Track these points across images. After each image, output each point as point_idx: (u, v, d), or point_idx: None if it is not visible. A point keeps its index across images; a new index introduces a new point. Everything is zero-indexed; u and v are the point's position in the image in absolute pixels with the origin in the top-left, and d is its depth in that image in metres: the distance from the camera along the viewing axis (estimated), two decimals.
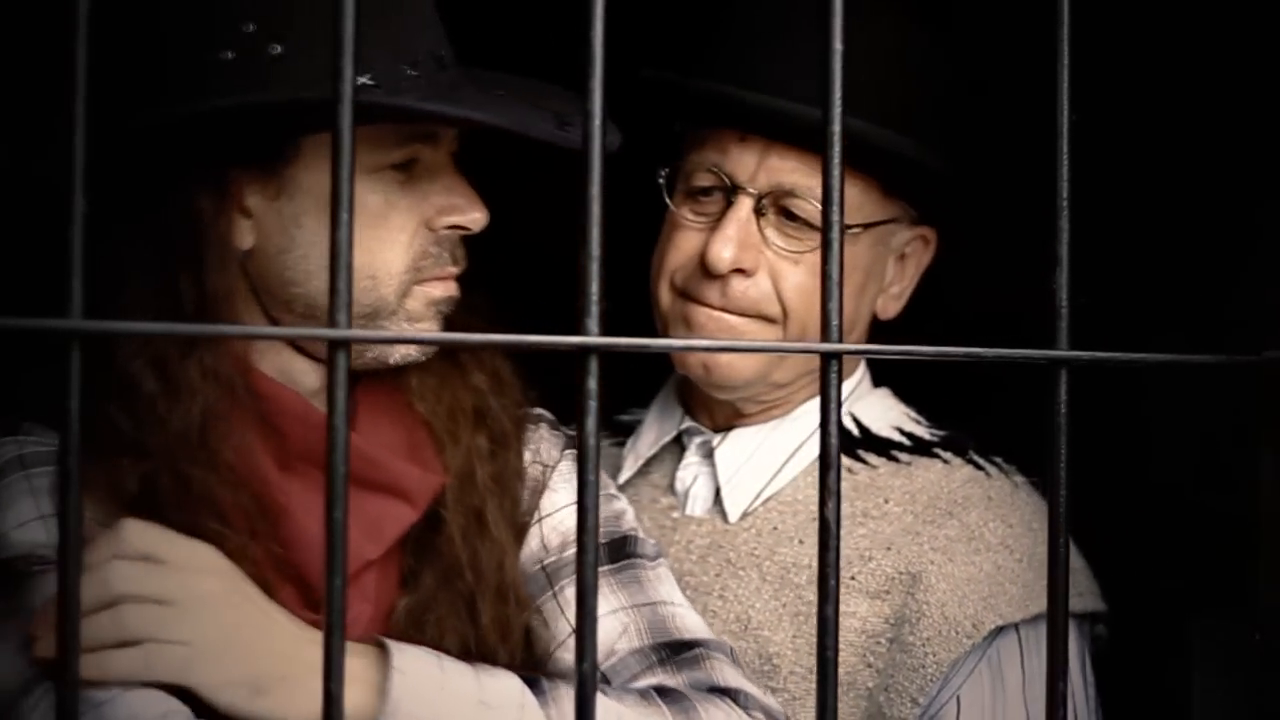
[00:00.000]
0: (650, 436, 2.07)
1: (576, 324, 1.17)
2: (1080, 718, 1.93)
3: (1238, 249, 1.98)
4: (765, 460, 1.99)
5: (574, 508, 1.79)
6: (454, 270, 1.68)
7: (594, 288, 1.17)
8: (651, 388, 2.11)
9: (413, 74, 1.59)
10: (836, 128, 1.24)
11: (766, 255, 1.92)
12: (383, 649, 1.55)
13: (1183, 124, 2.48)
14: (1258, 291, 1.43)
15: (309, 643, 1.51)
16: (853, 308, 1.92)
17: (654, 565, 1.79)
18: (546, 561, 1.77)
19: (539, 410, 1.83)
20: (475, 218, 1.67)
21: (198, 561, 1.49)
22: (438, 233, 1.66)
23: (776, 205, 1.92)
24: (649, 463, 2.06)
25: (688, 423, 2.04)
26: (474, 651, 1.68)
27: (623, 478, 2.05)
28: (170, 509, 1.56)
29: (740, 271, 1.92)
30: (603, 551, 1.78)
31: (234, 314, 1.63)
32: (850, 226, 1.89)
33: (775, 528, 1.97)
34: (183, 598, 1.47)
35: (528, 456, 1.79)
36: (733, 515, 1.98)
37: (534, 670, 1.68)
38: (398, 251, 1.62)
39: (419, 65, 1.60)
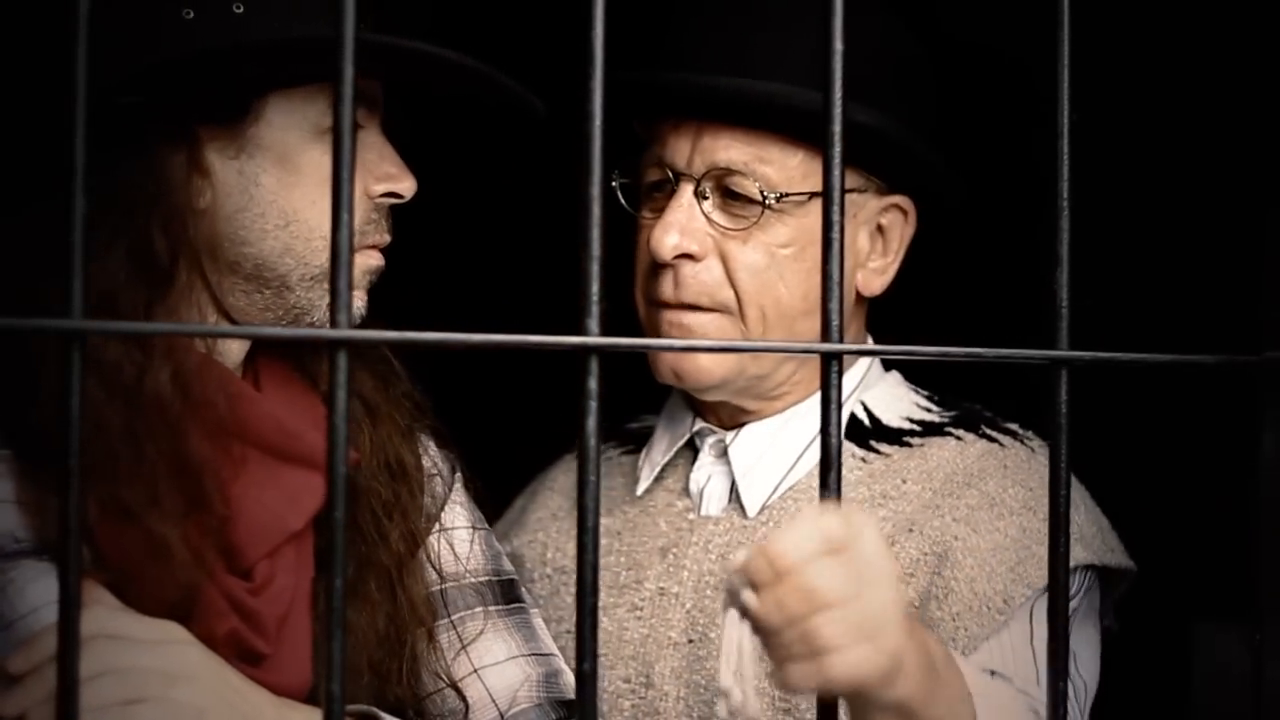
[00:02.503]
0: (664, 443, 2.05)
1: (577, 324, 1.17)
2: (1083, 667, 1.91)
3: (1238, 249, 1.98)
4: (780, 453, 1.98)
5: (470, 533, 1.81)
6: (386, 240, 1.69)
7: (594, 288, 1.17)
8: (663, 393, 2.10)
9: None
10: (837, 128, 1.24)
11: (714, 238, 1.89)
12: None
13: (1184, 124, 2.48)
14: (1258, 291, 1.43)
15: (291, 709, 1.54)
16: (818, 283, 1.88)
17: (536, 614, 1.83)
18: (445, 586, 1.78)
19: (427, 419, 1.84)
20: (408, 186, 1.68)
21: (171, 635, 1.49)
22: (374, 200, 1.67)
23: (719, 186, 1.89)
24: (663, 469, 2.05)
25: (699, 424, 2.03)
26: (403, 628, 1.70)
27: (640, 488, 2.04)
28: (98, 480, 1.55)
29: (689, 258, 1.90)
30: (497, 590, 1.80)
31: (182, 277, 1.64)
32: (795, 194, 1.88)
33: (793, 519, 1.95)
34: (164, 667, 1.46)
35: (426, 462, 1.80)
36: (751, 510, 1.96)
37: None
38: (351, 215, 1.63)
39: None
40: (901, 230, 1.97)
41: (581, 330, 1.17)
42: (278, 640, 1.62)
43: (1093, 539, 1.90)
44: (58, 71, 1.11)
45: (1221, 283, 2.20)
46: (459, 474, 1.84)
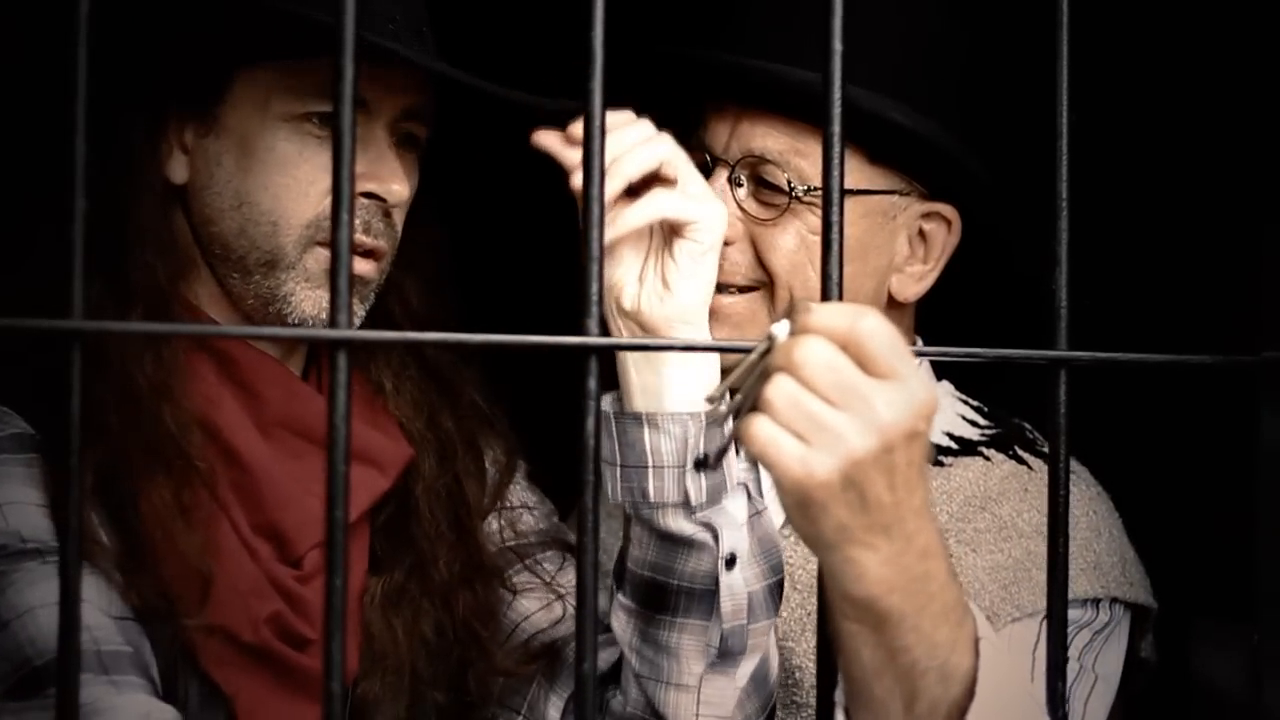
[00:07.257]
0: None
1: (577, 324, 1.17)
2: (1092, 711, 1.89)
3: (1237, 250, 1.97)
4: None
5: (532, 511, 1.81)
6: (365, 241, 1.67)
7: (594, 288, 1.17)
8: None
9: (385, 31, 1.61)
10: (837, 128, 1.24)
11: (745, 224, 1.87)
12: None
13: (1184, 123, 2.48)
14: (1257, 291, 1.43)
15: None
16: (850, 284, 1.84)
17: None
18: (514, 544, 1.78)
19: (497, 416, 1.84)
20: (393, 189, 1.66)
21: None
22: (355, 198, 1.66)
23: (752, 173, 1.87)
24: None
25: None
26: (455, 637, 1.70)
27: None
28: (144, 474, 1.57)
29: None
30: (566, 556, 1.79)
31: (175, 248, 1.66)
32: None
33: None
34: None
35: (490, 466, 1.80)
36: (776, 522, 1.94)
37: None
38: (304, 204, 1.63)
39: (393, 28, 1.62)
40: (944, 239, 1.91)
41: (581, 330, 1.17)
42: None
43: (1110, 569, 1.87)
44: (56, 68, 1.12)
45: (1221, 283, 2.19)
46: (519, 474, 1.84)
